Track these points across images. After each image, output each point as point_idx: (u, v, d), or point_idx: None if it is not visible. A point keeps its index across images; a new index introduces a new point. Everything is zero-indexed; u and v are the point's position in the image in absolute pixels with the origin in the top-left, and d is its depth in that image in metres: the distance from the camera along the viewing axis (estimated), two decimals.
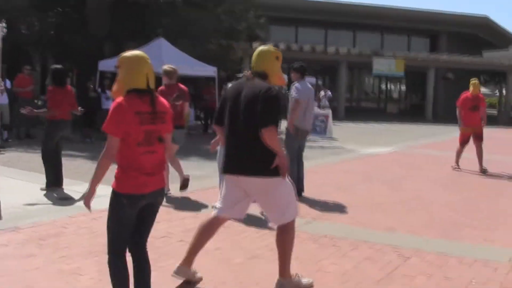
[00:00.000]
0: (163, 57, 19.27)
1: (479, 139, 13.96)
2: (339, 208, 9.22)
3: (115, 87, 4.41)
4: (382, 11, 44.47)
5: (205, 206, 8.87)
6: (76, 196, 9.34)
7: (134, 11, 22.75)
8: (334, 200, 9.78)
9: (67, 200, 9.19)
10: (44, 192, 9.72)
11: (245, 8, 26.74)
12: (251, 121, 5.09)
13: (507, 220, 8.84)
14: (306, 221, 8.10)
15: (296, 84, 9.76)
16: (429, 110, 40.44)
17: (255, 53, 5.57)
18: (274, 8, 38.05)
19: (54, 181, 10.01)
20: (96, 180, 4.29)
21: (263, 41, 36.20)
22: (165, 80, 9.85)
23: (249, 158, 5.16)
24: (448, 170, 13.91)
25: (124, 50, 17.33)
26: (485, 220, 8.75)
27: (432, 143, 21.96)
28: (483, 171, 13.64)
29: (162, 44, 20.44)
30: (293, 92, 9.66)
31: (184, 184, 9.57)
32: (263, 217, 7.67)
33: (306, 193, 10.00)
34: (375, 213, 8.95)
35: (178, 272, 5.43)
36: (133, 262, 4.53)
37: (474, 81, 14.20)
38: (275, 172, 5.12)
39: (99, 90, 19.29)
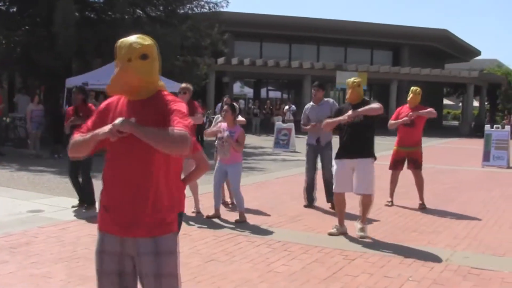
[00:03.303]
0: None
1: (415, 164, 10.98)
2: (293, 216, 9.79)
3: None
4: (345, 25, 45.43)
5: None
6: (46, 208, 9.78)
7: (100, 29, 23.16)
8: (290, 209, 10.38)
9: (38, 212, 9.60)
10: (17, 205, 10.11)
11: (210, 25, 27.26)
12: None
13: (451, 225, 9.45)
14: (263, 228, 8.69)
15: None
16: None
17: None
18: (239, 24, 38.74)
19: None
20: None
21: (228, 57, 36.90)
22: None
23: None
24: (407, 179, 14.26)
25: (90, 67, 17.86)
26: (431, 225, 9.38)
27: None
28: (422, 206, 10.84)
29: None
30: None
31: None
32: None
33: (265, 202, 10.61)
34: (326, 220, 9.54)
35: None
36: None
37: (414, 88, 11.20)
38: None
39: (66, 107, 19.66)
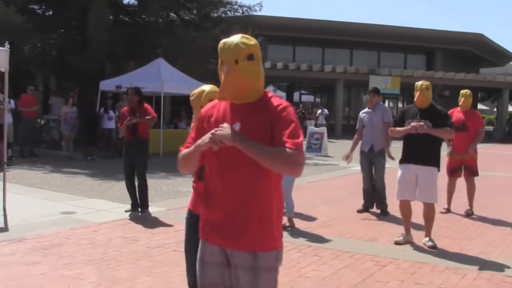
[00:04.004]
0: (162, 77, 19.92)
1: (470, 172, 10.84)
2: (325, 221, 9.76)
3: None
4: (378, 29, 45.20)
5: None
6: (78, 210, 9.87)
7: (133, 32, 23.35)
8: (321, 214, 10.34)
9: (71, 213, 9.68)
10: (50, 206, 10.22)
11: (243, 28, 27.31)
12: None
13: (484, 232, 9.34)
14: (294, 232, 8.67)
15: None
16: None
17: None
18: (272, 28, 38.75)
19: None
20: None
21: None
22: None
23: None
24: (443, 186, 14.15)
25: (124, 70, 17.92)
26: (463, 231, 9.27)
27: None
28: (469, 212, 10.77)
29: (161, 64, 21.01)
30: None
31: None
32: None
33: (296, 207, 10.57)
34: (358, 225, 9.51)
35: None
36: None
37: (464, 91, 10.80)
38: None
39: (102, 110, 19.82)
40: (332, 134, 30.52)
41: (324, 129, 24.44)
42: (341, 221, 9.79)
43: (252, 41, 3.22)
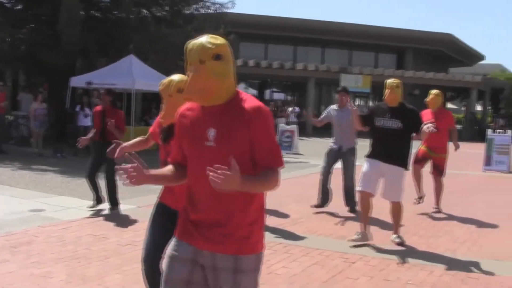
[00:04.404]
0: (133, 74, 19.82)
1: (437, 171, 10.95)
2: (295, 218, 9.82)
3: None
4: (350, 27, 45.49)
5: None
6: (47, 208, 9.80)
7: (105, 28, 23.19)
8: (292, 211, 10.41)
9: (40, 211, 9.60)
10: (19, 204, 10.13)
11: (215, 25, 27.27)
12: None
13: (451, 229, 9.48)
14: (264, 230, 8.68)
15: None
16: None
17: None
18: (244, 25, 38.82)
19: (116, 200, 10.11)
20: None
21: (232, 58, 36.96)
22: None
23: None
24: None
25: (95, 66, 17.78)
26: (431, 229, 9.41)
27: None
28: (436, 211, 10.89)
29: (132, 61, 20.90)
30: None
31: None
32: None
33: (267, 205, 10.59)
34: (328, 223, 9.58)
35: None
36: None
37: (433, 90, 10.97)
38: None
39: (78, 107, 19.63)
40: (303, 132, 30.61)
41: (295, 127, 24.54)
42: (311, 219, 9.86)
43: (219, 40, 3.14)
